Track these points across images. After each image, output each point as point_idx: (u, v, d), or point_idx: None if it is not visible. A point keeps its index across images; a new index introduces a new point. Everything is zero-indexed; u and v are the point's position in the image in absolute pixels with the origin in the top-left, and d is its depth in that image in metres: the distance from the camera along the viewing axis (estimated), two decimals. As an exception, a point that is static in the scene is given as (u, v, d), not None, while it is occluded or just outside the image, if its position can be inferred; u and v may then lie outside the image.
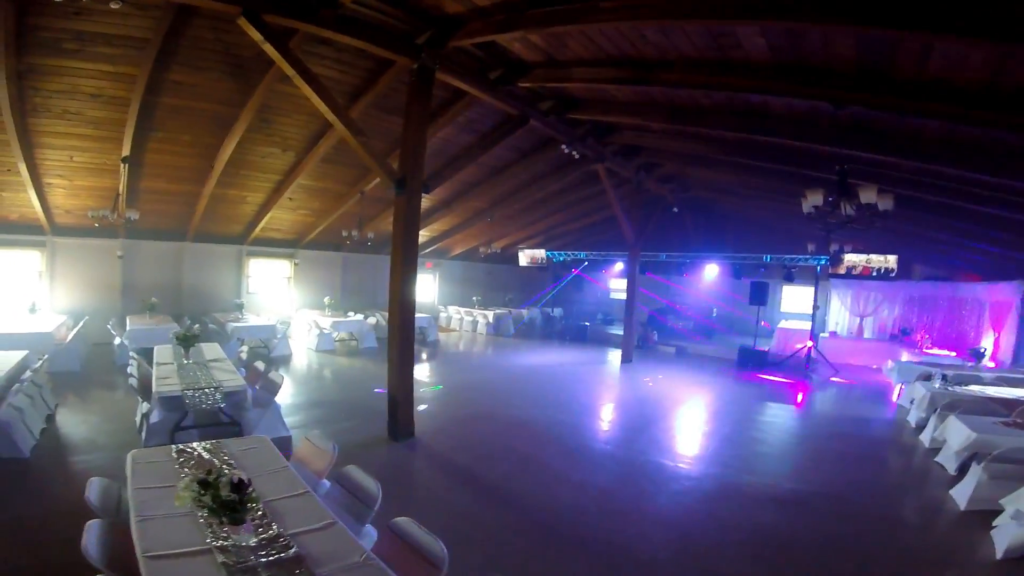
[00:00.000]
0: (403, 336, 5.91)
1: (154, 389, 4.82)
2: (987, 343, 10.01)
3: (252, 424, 5.14)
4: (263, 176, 9.44)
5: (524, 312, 16.89)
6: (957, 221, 7.73)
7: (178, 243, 11.21)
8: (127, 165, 7.76)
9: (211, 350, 6.50)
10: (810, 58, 4.25)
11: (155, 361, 5.84)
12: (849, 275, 12.76)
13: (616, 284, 19.40)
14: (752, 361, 12.01)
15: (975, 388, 6.94)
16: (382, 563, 2.10)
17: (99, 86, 6.33)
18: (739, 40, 4.28)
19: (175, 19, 5.26)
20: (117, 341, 8.54)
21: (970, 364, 8.83)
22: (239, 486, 2.20)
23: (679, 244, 14.81)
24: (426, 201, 9.51)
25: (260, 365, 6.20)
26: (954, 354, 10.79)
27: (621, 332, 12.71)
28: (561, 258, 15.59)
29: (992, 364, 9.62)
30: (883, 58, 3.81)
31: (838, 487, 5.25)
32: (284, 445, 4.68)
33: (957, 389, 6.85)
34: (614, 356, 12.63)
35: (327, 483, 3.24)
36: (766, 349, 12.67)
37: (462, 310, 16.74)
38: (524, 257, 16.06)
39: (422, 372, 9.85)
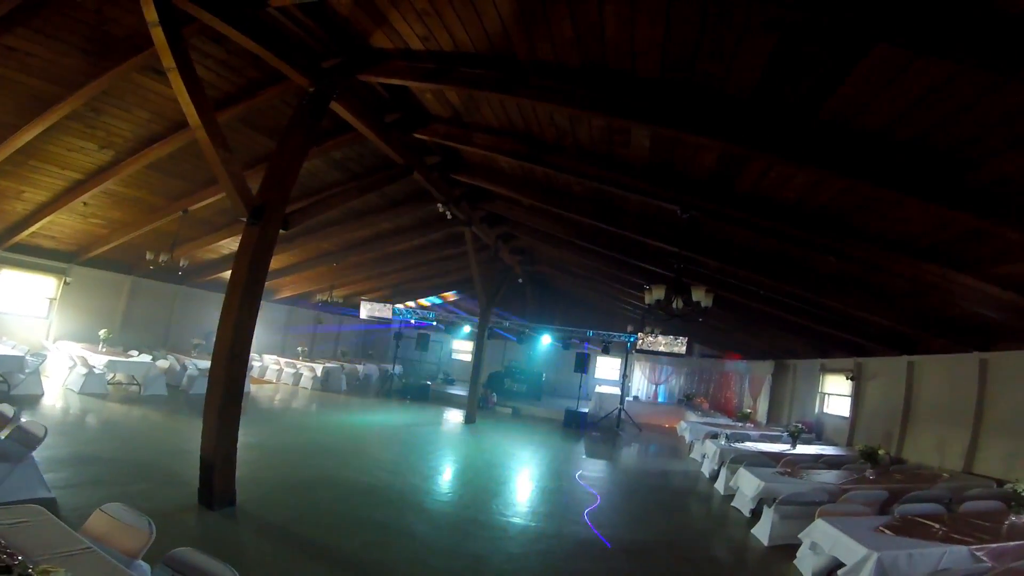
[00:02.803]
0: (229, 389, 4.97)
1: None
2: (748, 407, 12.88)
3: (-6, 482, 3.81)
4: (60, 172, 7.36)
5: (360, 367, 15.73)
6: (736, 313, 10.07)
7: None
8: None
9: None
10: (677, 164, 5.32)
11: None
12: (648, 350, 15.28)
13: (459, 345, 19.63)
14: (575, 421, 13.24)
15: (749, 444, 8.77)
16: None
17: None
18: (630, 139, 5.15)
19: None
20: None
21: (739, 424, 11.20)
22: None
23: (518, 313, 15.94)
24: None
25: (7, 409, 4.63)
26: (727, 415, 13.56)
27: (462, 392, 12.74)
28: (408, 315, 15.24)
29: (751, 424, 12.36)
30: (733, 172, 5.00)
31: (668, 534, 5.97)
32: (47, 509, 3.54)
33: (737, 445, 8.57)
34: (457, 416, 12.51)
35: (145, 566, 2.51)
36: (586, 411, 14.08)
37: (283, 360, 14.85)
38: (366, 309, 15.23)
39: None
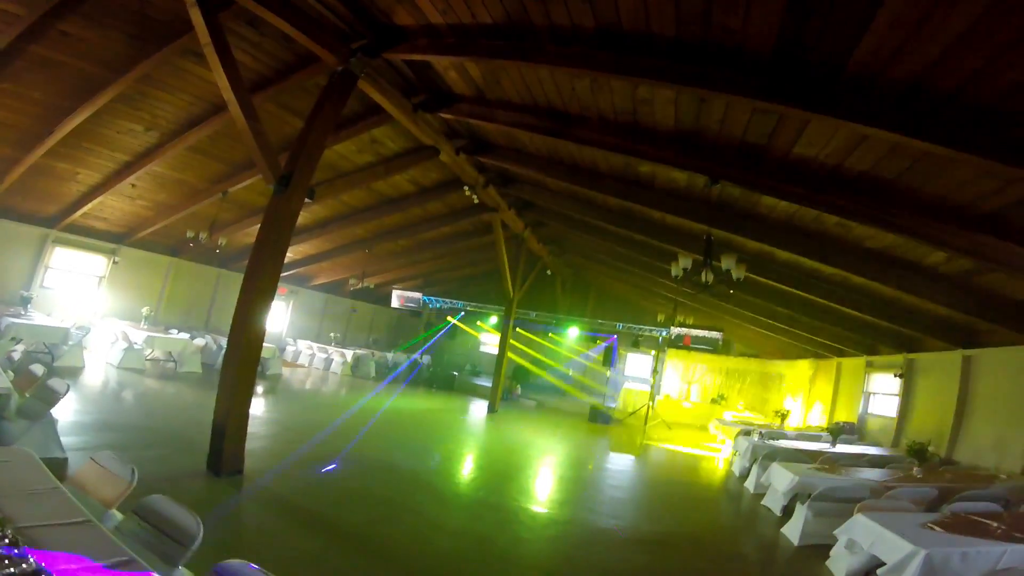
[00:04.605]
0: (244, 356, 5.02)
1: None
2: (785, 407, 12.27)
3: (12, 438, 4.01)
4: (109, 154, 7.81)
5: (389, 356, 15.99)
6: (776, 305, 9.57)
7: (-38, 214, 8.65)
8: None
9: (-32, 344, 4.97)
10: (705, 132, 5.07)
11: None
12: (681, 346, 14.78)
13: (486, 338, 19.66)
14: (600, 417, 12.93)
15: (784, 442, 8.33)
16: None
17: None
18: (654, 107, 4.94)
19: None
20: None
21: (776, 424, 10.67)
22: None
23: (547, 305, 15.74)
24: (299, 217, 8.74)
25: (37, 368, 4.86)
26: (763, 416, 12.98)
27: (487, 384, 12.72)
28: (438, 304, 15.35)
29: (790, 424, 11.78)
30: (765, 135, 4.71)
31: (690, 528, 5.71)
32: (56, 469, 3.60)
33: (772, 442, 8.14)
34: (480, 406, 12.51)
35: (118, 515, 2.50)
36: (613, 406, 13.78)
37: (315, 346, 15.29)
38: (397, 298, 15.45)
39: (257, 407, 8.51)
